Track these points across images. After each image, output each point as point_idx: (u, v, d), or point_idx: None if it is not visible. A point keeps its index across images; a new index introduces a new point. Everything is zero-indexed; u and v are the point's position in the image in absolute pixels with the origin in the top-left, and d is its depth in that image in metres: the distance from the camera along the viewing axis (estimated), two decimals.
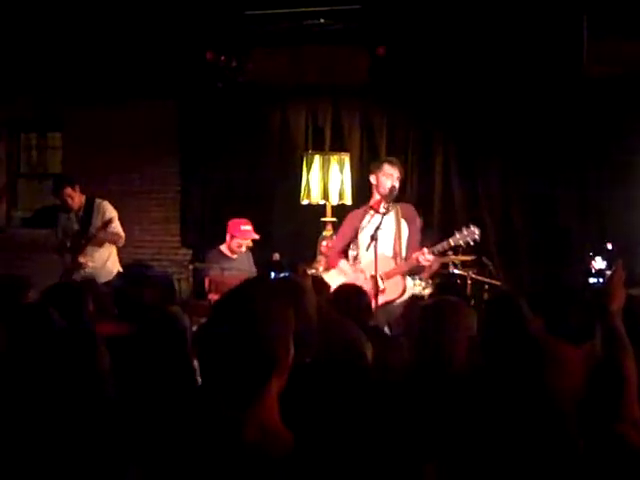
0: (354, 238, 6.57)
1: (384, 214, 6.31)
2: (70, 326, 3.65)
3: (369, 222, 6.48)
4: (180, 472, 2.02)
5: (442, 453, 2.29)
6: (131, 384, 3.20)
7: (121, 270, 7.48)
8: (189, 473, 2.01)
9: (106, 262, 7.63)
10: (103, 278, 7.02)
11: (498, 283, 7.30)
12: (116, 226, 7.54)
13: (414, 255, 6.28)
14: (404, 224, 6.52)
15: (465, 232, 6.20)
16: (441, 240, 6.38)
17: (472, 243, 6.28)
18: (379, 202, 6.52)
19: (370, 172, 6.70)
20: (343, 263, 6.58)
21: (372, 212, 6.53)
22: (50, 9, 7.81)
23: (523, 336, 2.23)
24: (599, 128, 8.03)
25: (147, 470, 2.11)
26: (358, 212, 6.71)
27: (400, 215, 6.51)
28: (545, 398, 2.05)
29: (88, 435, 2.57)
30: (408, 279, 6.55)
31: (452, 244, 6.24)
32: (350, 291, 4.74)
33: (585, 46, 7.15)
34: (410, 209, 6.66)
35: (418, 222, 6.64)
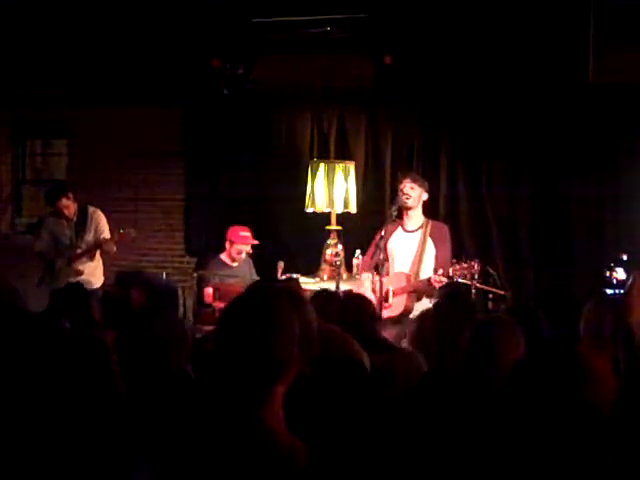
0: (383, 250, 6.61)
1: (393, 224, 6.45)
2: (77, 330, 3.67)
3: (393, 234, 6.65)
4: (187, 472, 2.03)
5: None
6: (140, 386, 3.21)
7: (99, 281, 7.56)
8: (196, 474, 2.01)
9: (95, 270, 7.64)
10: (89, 286, 7.04)
11: (502, 292, 7.27)
12: (111, 248, 7.54)
13: (428, 277, 6.34)
14: (430, 243, 6.54)
15: (465, 265, 6.21)
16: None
17: (467, 281, 6.25)
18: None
19: None
20: (365, 276, 6.66)
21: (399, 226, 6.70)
22: (57, 16, 7.83)
23: (562, 350, 2.17)
24: (605, 135, 8.02)
25: (156, 468, 2.12)
26: (389, 226, 6.73)
27: (428, 233, 6.53)
28: (584, 414, 2.01)
29: (99, 435, 2.59)
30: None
31: (450, 274, 6.22)
32: (358, 300, 4.76)
33: (591, 54, 7.16)
34: (442, 230, 6.73)
35: (449, 244, 6.68)
